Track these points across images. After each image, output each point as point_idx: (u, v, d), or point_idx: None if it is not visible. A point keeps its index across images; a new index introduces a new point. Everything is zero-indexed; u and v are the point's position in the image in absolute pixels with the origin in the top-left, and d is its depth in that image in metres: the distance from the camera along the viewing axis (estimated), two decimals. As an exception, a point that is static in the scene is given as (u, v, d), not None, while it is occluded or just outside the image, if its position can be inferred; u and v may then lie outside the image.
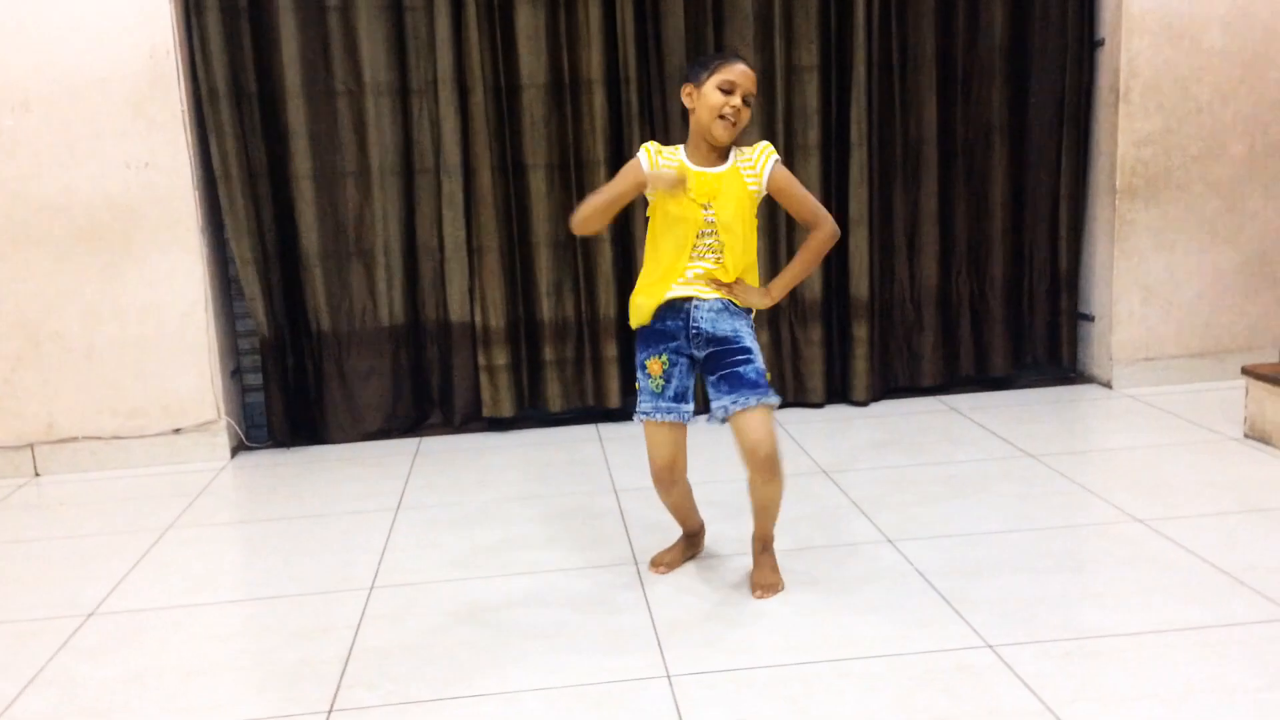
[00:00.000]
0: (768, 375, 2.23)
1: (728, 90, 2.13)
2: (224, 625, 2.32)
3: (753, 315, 2.31)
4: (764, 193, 2.23)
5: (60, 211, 3.36)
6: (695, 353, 2.24)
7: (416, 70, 3.53)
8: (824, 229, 2.25)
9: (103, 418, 3.48)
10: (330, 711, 1.90)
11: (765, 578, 2.30)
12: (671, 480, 2.33)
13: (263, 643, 2.22)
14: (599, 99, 3.52)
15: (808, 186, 3.61)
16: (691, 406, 2.27)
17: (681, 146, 2.24)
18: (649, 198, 2.23)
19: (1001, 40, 3.72)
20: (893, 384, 3.88)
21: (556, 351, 3.70)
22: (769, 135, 3.62)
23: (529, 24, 3.48)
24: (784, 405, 3.76)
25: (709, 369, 2.23)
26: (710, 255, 2.19)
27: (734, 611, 2.21)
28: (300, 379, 3.69)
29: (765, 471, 2.19)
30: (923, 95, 3.70)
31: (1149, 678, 1.83)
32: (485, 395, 3.66)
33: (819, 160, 3.66)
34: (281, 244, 3.59)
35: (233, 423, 3.57)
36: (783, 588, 2.29)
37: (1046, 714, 1.73)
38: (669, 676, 1.94)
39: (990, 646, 1.97)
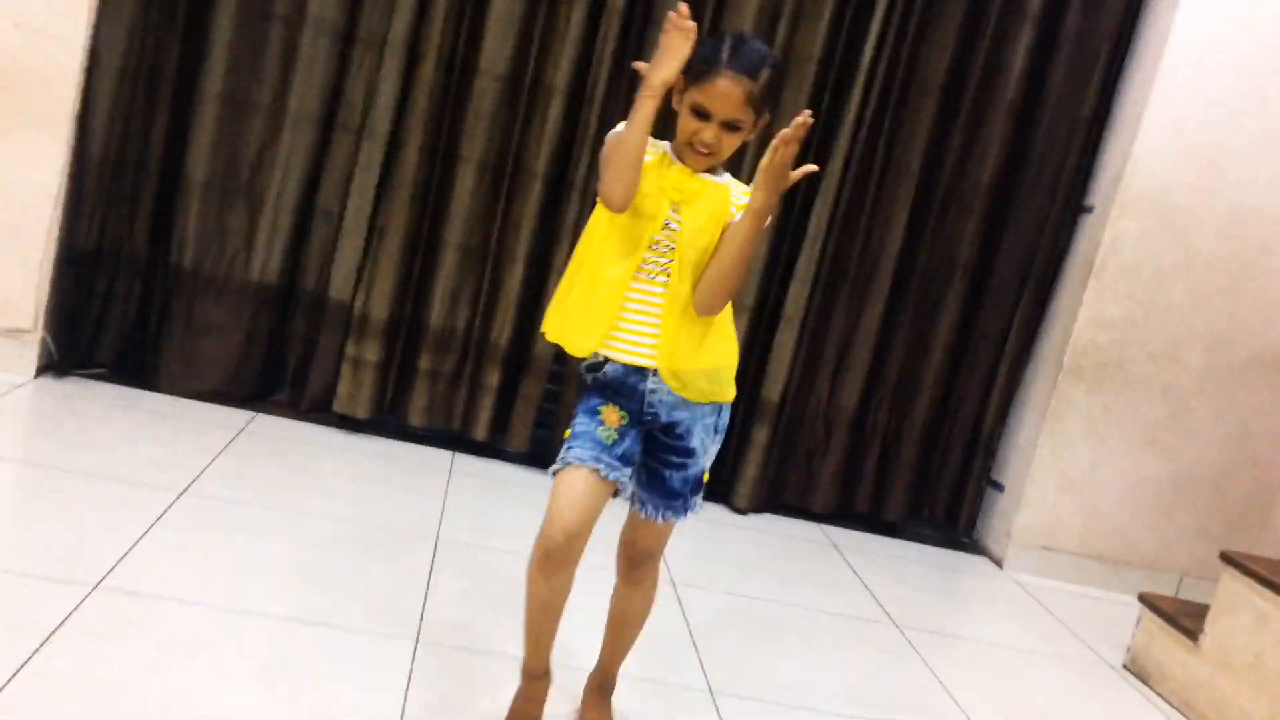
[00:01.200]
0: (705, 477, 1.83)
1: (700, 114, 1.65)
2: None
3: (725, 416, 1.81)
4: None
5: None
6: (644, 425, 1.78)
7: (369, 18, 3.16)
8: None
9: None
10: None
11: None
12: (567, 558, 1.69)
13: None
14: (556, 110, 3.19)
15: (756, 270, 3.36)
16: (629, 475, 1.78)
17: (669, 144, 1.76)
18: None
19: (989, 178, 3.47)
20: (778, 500, 3.57)
21: (434, 362, 3.33)
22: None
23: (505, 6, 3.14)
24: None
25: (645, 446, 1.79)
26: (658, 276, 1.70)
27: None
28: (143, 311, 3.26)
29: (637, 578, 1.86)
30: (894, 211, 3.43)
31: None
32: (342, 388, 3.26)
33: (769, 247, 3.36)
34: (166, 161, 3.18)
35: (47, 337, 3.13)
36: None
37: None
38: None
39: None
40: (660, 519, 1.79)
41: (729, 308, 1.76)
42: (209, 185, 3.19)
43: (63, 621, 1.86)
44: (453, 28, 3.14)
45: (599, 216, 1.72)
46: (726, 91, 1.62)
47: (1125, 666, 2.85)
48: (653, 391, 1.73)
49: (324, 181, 3.26)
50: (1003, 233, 3.54)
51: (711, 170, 1.73)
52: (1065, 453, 3.50)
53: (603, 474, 1.69)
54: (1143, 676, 2.79)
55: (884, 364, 3.57)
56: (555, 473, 1.72)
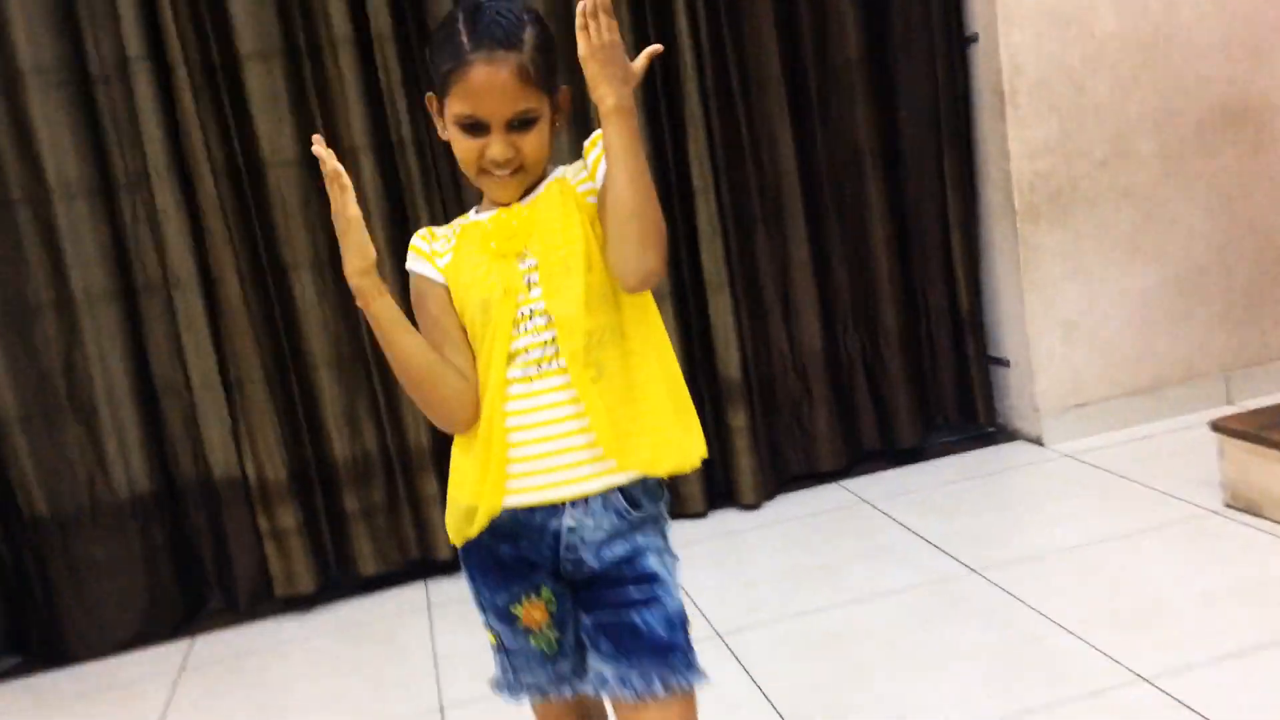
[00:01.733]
0: (687, 625, 1.29)
1: (474, 128, 1.22)
2: None
3: (665, 514, 1.35)
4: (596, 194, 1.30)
5: None
6: (572, 579, 1.31)
7: (119, 159, 2.67)
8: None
9: None
10: None
11: None
12: None
13: None
14: (368, 169, 2.72)
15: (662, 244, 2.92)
16: (591, 670, 1.31)
17: (471, 213, 1.35)
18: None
19: (857, 50, 3.06)
20: (785, 475, 3.17)
21: (360, 499, 2.86)
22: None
23: (262, 86, 2.66)
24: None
25: (585, 605, 1.30)
26: (549, 360, 1.24)
27: None
28: (21, 582, 2.76)
29: None
30: (774, 123, 3.02)
31: None
32: (275, 569, 2.78)
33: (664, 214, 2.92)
34: (-35, 408, 2.67)
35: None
36: None
37: None
38: None
39: None
40: (660, 689, 1.22)
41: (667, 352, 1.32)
42: (26, 417, 2.69)
43: None
44: (217, 129, 2.66)
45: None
46: (489, 81, 1.18)
47: (1228, 505, 2.50)
48: (571, 530, 1.26)
49: (152, 356, 2.77)
50: (893, 102, 3.15)
51: (529, 190, 1.29)
52: (1054, 300, 3.13)
53: (555, 699, 1.33)
54: (1252, 509, 2.43)
55: (831, 288, 3.17)
56: (503, 693, 1.36)
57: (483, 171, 1.25)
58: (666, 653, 1.23)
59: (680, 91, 2.89)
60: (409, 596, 2.85)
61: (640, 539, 1.28)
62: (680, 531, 2.88)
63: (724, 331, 2.99)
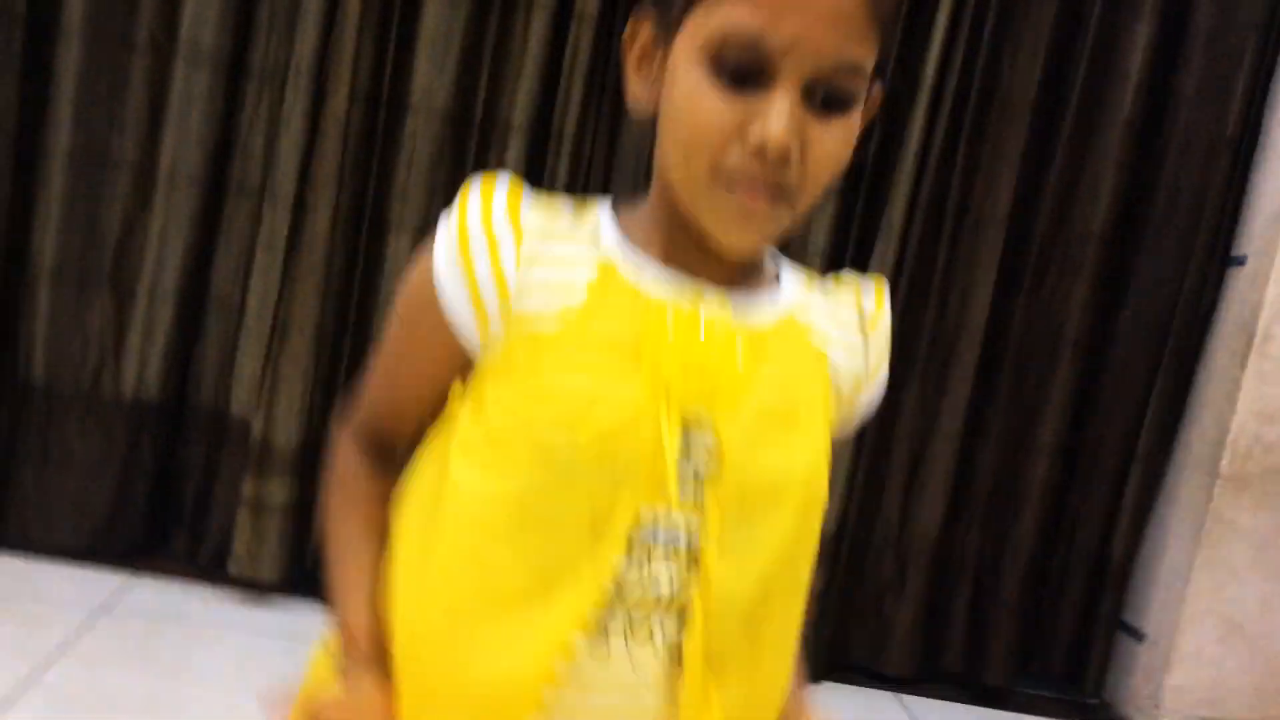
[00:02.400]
0: None
1: (743, 67, 0.67)
2: None
3: None
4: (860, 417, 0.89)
5: None
6: None
7: (264, 44, 2.38)
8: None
9: None
10: None
11: None
12: None
13: None
14: (514, 150, 2.37)
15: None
16: None
17: (607, 208, 0.79)
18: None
19: (1101, 224, 2.60)
20: (842, 661, 2.66)
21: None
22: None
23: (438, 23, 2.34)
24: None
25: None
26: (660, 614, 0.73)
27: None
28: (-11, 444, 2.46)
29: None
30: (977, 273, 2.56)
31: None
32: (238, 543, 2.41)
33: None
34: (5, 244, 2.39)
35: None
36: None
37: None
38: None
39: None
40: None
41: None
42: (60, 273, 2.39)
43: None
44: (371, 51, 2.34)
45: (474, 452, 0.74)
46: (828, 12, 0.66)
47: None
48: None
49: (217, 261, 2.46)
50: (1123, 295, 2.66)
51: (748, 268, 0.78)
52: (1226, 589, 2.57)
53: None
54: None
55: (972, 473, 2.67)
56: None
57: (720, 172, 0.69)
58: None
59: (885, 198, 2.47)
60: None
61: None
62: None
63: (834, 478, 2.51)
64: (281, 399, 2.38)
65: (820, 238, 2.48)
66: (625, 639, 0.72)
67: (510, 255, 0.71)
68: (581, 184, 2.39)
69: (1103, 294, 2.64)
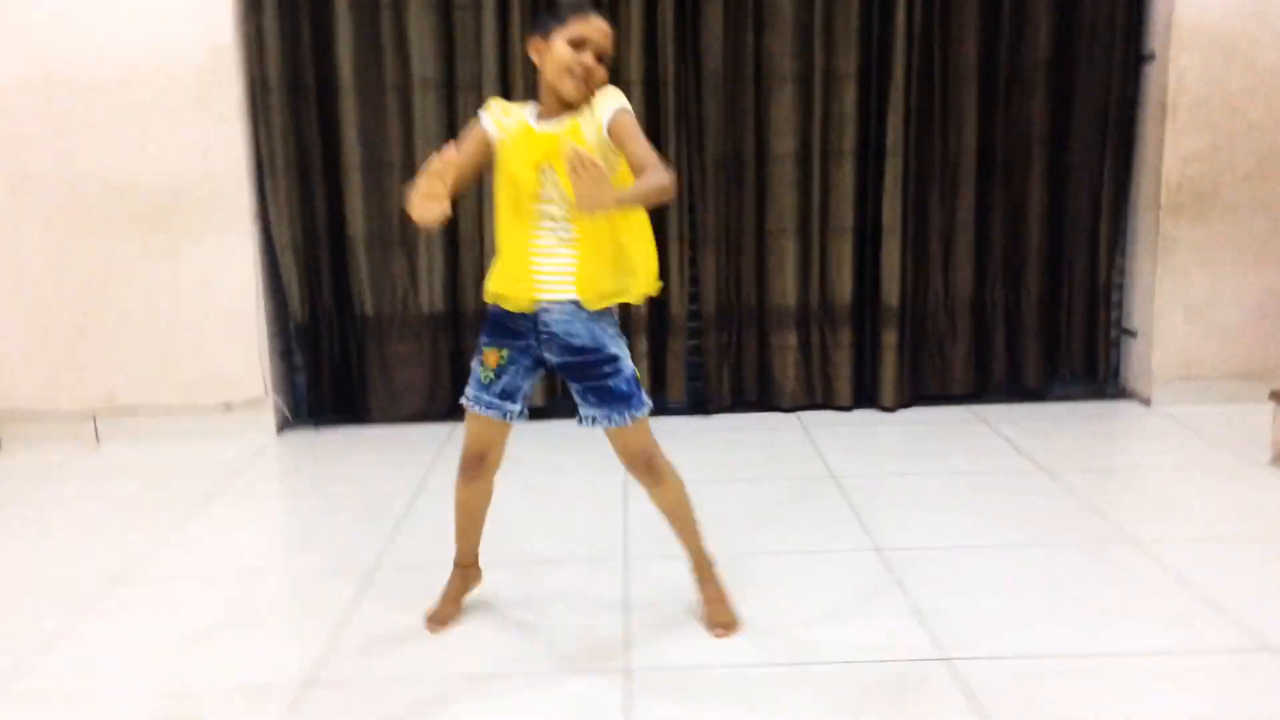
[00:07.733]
0: (638, 376, 2.06)
1: (578, 44, 1.95)
2: (234, 593, 2.47)
3: (615, 315, 2.05)
4: (605, 137, 1.95)
5: (125, 192, 3.57)
6: (548, 357, 2.04)
7: (463, 66, 3.65)
8: (650, 178, 1.85)
9: (160, 390, 3.69)
10: (310, 684, 2.03)
11: (718, 615, 2.17)
12: (478, 472, 2.18)
13: (260, 613, 2.37)
14: (636, 99, 3.60)
15: (842, 191, 3.69)
16: (519, 407, 2.09)
17: (533, 103, 2.05)
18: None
19: (1046, 52, 3.68)
20: (922, 391, 3.89)
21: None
22: (804, 140, 3.66)
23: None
24: (812, 406, 3.81)
25: (572, 377, 2.04)
26: (554, 232, 1.97)
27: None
28: (344, 361, 3.86)
29: (649, 478, 2.11)
30: (963, 105, 3.69)
31: (1095, 701, 1.85)
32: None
33: (854, 166, 3.69)
34: (332, 230, 3.75)
35: (279, 401, 3.76)
36: (739, 625, 2.16)
37: (984, 729, 1.77)
38: (626, 671, 2.02)
39: (946, 660, 2.01)
40: (628, 420, 2.01)
41: (642, 221, 2.01)
42: (370, 241, 3.75)
43: (360, 595, 2.40)
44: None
45: (496, 192, 2.05)
46: (600, 27, 1.98)
47: (1272, 461, 3.06)
48: (545, 311, 2.00)
49: (460, 215, 3.77)
50: (1071, 100, 3.75)
51: (575, 110, 1.97)
52: (1182, 285, 3.68)
53: (479, 411, 2.09)
54: (1288, 466, 3.00)
55: (988, 247, 3.83)
56: (464, 398, 2.12)
57: (567, 72, 1.94)
58: (627, 400, 2.02)
59: (889, 69, 3.60)
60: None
61: (597, 329, 2.00)
62: (825, 418, 3.71)
63: (891, 268, 3.72)
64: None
65: (848, 105, 3.63)
66: (550, 235, 1.99)
67: (494, 118, 2.05)
68: (684, 111, 3.60)
69: (1055, 101, 3.73)
